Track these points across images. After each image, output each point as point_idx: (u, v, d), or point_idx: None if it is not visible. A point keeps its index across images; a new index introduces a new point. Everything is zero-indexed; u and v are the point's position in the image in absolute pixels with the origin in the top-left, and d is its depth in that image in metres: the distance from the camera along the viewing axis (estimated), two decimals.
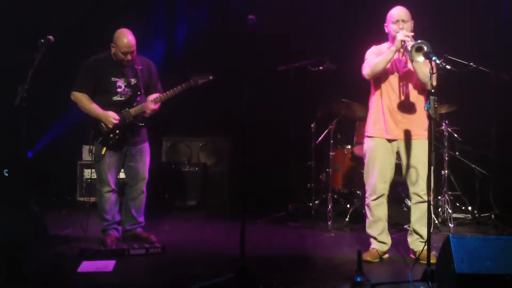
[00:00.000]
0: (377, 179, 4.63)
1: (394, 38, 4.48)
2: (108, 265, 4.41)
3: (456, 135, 6.21)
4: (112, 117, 4.96)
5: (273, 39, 6.96)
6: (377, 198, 4.66)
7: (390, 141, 4.63)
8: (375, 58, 4.55)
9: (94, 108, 4.98)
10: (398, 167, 4.77)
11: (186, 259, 4.75)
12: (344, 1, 7.15)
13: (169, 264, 4.57)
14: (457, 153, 6.33)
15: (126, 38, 4.92)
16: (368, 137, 4.73)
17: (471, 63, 5.58)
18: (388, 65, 4.52)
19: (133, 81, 5.07)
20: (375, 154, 4.66)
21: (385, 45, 4.68)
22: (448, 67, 4.53)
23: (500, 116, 6.10)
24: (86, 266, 4.38)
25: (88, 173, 7.10)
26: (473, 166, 6.37)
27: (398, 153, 4.66)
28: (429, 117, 3.94)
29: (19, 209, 4.56)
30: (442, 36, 6.46)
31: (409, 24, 4.53)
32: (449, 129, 6.14)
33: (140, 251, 4.72)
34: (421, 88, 4.58)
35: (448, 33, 6.64)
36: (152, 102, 5.05)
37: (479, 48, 6.52)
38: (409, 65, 4.54)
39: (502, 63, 6.25)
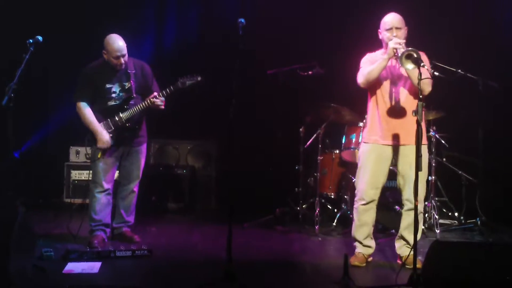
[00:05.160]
0: (367, 185, 4.63)
1: (387, 45, 4.50)
2: (94, 266, 4.39)
3: (443, 141, 6.26)
4: (106, 140, 5.02)
5: (262, 43, 6.96)
6: (367, 203, 4.65)
7: (386, 147, 4.61)
8: (369, 66, 4.56)
9: (93, 123, 5.05)
10: (390, 172, 4.76)
11: (173, 262, 4.72)
12: (333, 6, 7.17)
13: (155, 267, 4.54)
14: (444, 159, 6.38)
15: (116, 43, 4.97)
16: (364, 143, 4.75)
17: (459, 70, 5.61)
18: (383, 72, 4.53)
19: (127, 85, 5.12)
20: (367, 160, 4.66)
21: (379, 52, 4.68)
22: (436, 73, 4.56)
23: (487, 123, 6.14)
24: (72, 267, 4.36)
25: (75, 175, 7.06)
26: (460, 172, 6.42)
27: (394, 159, 4.65)
28: (418, 122, 3.97)
29: (5, 210, 4.51)
30: (430, 42, 6.51)
31: (403, 31, 4.54)
32: (436, 135, 6.19)
33: (127, 253, 4.70)
34: (416, 94, 4.59)
35: (436, 39, 6.67)
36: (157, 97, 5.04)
37: (468, 55, 6.56)
38: (403, 72, 4.54)
39: (491, 71, 6.29)
